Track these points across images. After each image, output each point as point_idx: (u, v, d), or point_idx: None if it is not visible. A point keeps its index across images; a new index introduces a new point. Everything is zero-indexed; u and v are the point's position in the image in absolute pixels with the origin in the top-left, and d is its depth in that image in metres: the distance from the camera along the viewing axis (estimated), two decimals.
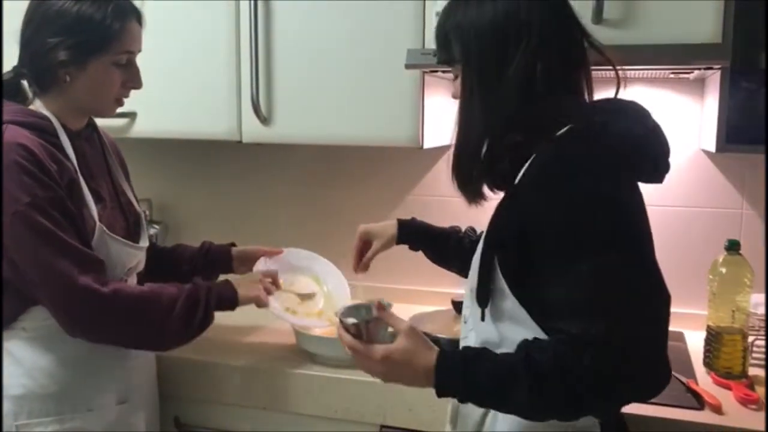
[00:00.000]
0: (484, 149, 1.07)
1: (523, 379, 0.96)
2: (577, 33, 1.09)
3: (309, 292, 1.67)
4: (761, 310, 1.57)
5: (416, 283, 2.02)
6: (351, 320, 1.12)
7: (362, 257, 1.60)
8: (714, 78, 1.59)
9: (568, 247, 0.98)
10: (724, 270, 1.50)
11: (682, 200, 1.83)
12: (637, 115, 1.08)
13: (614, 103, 1.11)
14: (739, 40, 1.45)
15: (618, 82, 1.12)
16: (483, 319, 1.09)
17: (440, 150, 1.97)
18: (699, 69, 1.53)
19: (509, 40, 1.04)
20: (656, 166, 1.08)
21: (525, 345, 1.00)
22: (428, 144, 1.72)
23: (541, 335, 1.02)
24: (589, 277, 0.96)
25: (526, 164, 1.05)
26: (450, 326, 1.64)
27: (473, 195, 1.13)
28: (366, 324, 1.11)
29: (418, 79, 1.66)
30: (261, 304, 1.48)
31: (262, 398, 1.58)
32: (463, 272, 1.59)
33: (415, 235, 1.58)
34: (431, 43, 1.58)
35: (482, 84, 1.06)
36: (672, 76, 1.69)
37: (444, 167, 2.01)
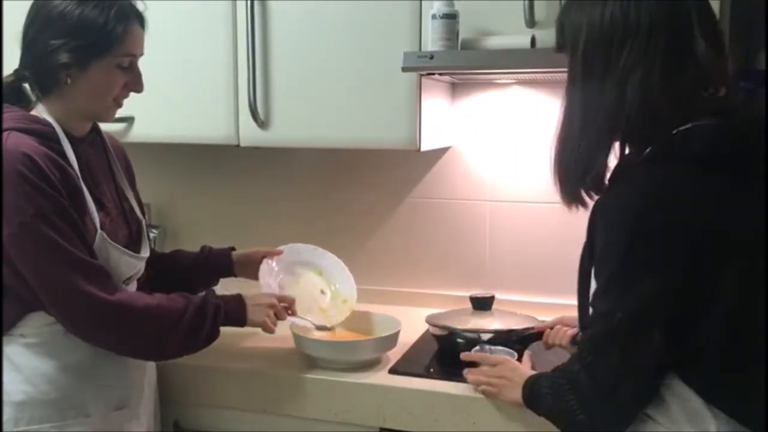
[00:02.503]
0: (583, 148, 1.08)
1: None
2: (688, 36, 1.06)
3: (318, 293, 1.68)
4: None
5: (419, 286, 2.01)
6: (500, 348, 1.45)
7: None
8: None
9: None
10: None
11: None
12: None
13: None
14: (737, 40, 1.45)
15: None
16: None
17: (438, 152, 1.98)
18: None
19: (614, 40, 1.04)
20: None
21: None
22: (426, 146, 1.72)
23: None
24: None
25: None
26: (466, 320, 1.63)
27: (572, 198, 1.13)
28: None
29: (415, 81, 1.66)
30: (267, 331, 1.48)
31: (262, 402, 1.57)
32: None
33: None
34: (428, 46, 1.58)
35: (585, 79, 1.07)
36: None
37: (442, 169, 2.02)
